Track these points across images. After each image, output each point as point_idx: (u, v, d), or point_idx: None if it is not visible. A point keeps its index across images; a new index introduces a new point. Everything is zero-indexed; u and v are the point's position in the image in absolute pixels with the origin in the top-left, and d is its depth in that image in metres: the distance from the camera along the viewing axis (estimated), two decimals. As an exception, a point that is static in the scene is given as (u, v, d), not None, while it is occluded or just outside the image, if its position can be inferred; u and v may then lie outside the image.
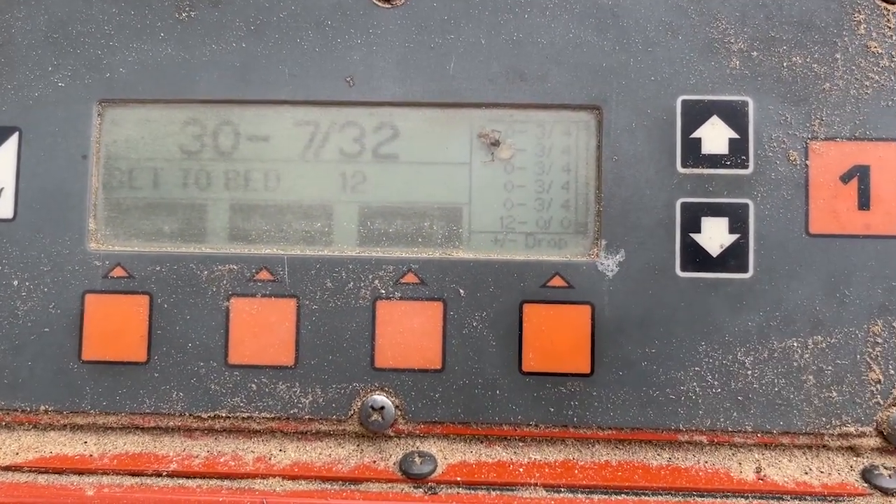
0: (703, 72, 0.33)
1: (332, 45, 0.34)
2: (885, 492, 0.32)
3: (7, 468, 0.33)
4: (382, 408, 0.33)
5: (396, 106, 0.34)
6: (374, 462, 0.33)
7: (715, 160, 0.33)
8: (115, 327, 0.34)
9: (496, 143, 0.34)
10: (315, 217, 0.34)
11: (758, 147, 0.33)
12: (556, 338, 0.33)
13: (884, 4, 0.33)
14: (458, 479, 0.32)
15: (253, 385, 0.33)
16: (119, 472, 0.33)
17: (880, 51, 0.33)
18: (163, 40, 0.34)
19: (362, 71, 0.34)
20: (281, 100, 0.34)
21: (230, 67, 0.34)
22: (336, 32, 0.34)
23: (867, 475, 0.32)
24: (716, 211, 0.33)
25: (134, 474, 0.33)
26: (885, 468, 0.32)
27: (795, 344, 0.32)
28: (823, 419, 0.32)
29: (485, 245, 0.34)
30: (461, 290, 0.33)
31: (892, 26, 0.33)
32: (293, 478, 0.33)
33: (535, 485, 0.32)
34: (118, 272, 0.34)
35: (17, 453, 0.33)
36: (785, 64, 0.33)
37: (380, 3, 0.34)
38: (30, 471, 0.33)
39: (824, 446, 0.33)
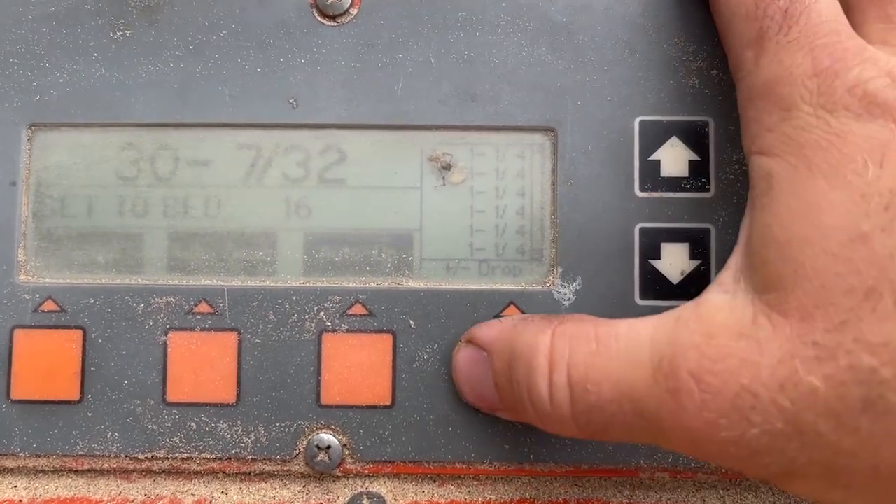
0: (661, 91, 0.32)
1: (274, 64, 0.32)
2: (854, 530, 0.30)
3: (-70, 516, 0.31)
4: (329, 447, 0.31)
5: (343, 128, 0.33)
6: (321, 504, 0.32)
7: (674, 183, 0.32)
8: (46, 364, 0.32)
9: (447, 167, 0.33)
10: (257, 245, 0.32)
11: (719, 169, 0.32)
12: (511, 371, 0.31)
13: (847, 20, 0.32)
14: (408, 521, 0.31)
15: (192, 424, 0.32)
16: (49, 519, 0.31)
17: (844, 68, 0.32)
18: (96, 61, 0.33)
19: (306, 92, 0.32)
20: (221, 122, 0.33)
21: (168, 89, 0.33)
22: (278, 52, 0.32)
23: (835, 512, 0.31)
24: (676, 236, 0.32)
25: (65, 521, 0.31)
26: (854, 504, 0.31)
27: (760, 375, 0.31)
28: (790, 453, 0.31)
29: (436, 273, 0.32)
30: (411, 322, 0.32)
31: (856, 43, 0.32)
32: (234, 522, 0.31)
33: (489, 527, 0.31)
34: (49, 306, 0.32)
35: (-58, 500, 0.32)
36: (746, 83, 0.32)
37: (324, 21, 0.33)
38: (-45, 518, 0.31)
39: (791, 481, 0.32)
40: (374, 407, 0.31)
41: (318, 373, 0.32)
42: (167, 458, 0.32)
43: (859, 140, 0.23)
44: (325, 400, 0.32)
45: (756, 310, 0.23)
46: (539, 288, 0.32)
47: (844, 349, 0.21)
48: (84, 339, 0.32)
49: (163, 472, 0.32)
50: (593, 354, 0.25)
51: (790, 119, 0.25)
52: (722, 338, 0.23)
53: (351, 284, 0.32)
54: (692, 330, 0.24)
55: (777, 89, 0.25)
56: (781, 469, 0.23)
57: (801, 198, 0.23)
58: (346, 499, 0.32)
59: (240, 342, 0.32)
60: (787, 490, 0.23)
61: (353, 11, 0.33)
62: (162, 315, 0.32)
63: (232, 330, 0.32)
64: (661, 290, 0.31)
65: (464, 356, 0.30)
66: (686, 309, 0.25)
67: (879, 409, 0.21)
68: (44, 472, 0.32)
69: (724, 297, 0.25)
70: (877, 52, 0.25)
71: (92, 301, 0.32)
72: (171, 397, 0.32)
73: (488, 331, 0.30)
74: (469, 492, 0.32)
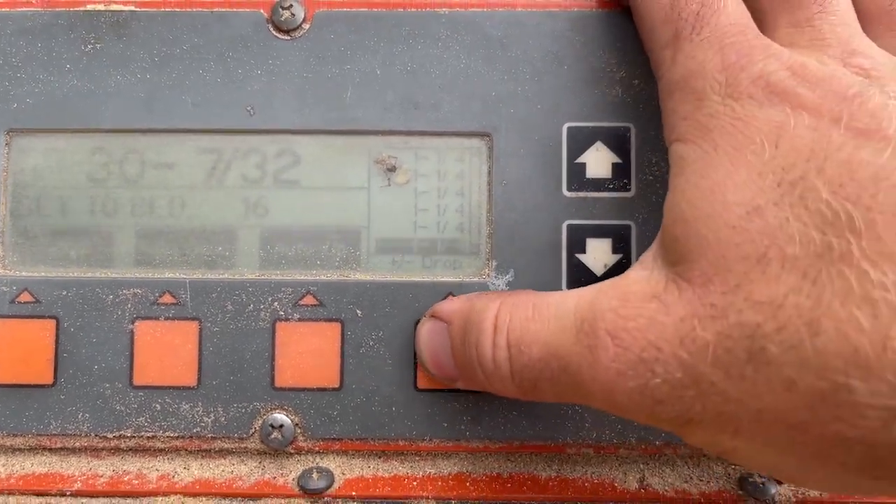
0: (587, 100, 0.35)
1: (233, 75, 0.35)
2: (758, 498, 0.33)
3: (-85, 490, 0.34)
4: (282, 426, 0.34)
5: (296, 133, 0.35)
6: (274, 478, 0.34)
7: (599, 184, 0.35)
8: (22, 351, 0.35)
9: (392, 169, 0.35)
10: (217, 242, 0.35)
11: (639, 171, 0.35)
12: (449, 355, 0.34)
13: (758, 35, 0.35)
14: (354, 493, 0.34)
15: (157, 405, 0.34)
16: (24, 493, 0.34)
17: (754, 79, 0.35)
18: (69, 72, 0.35)
19: (263, 100, 0.35)
20: (185, 129, 0.35)
21: (135, 98, 0.35)
22: (237, 64, 0.35)
23: (743, 483, 0.34)
24: (600, 232, 0.35)
25: (39, 494, 0.34)
26: (759, 476, 0.34)
27: (676, 358, 0.34)
28: (703, 430, 0.34)
29: (382, 267, 0.35)
30: (358, 311, 0.35)
31: (766, 55, 0.35)
32: (195, 494, 0.34)
33: (428, 497, 0.34)
34: (25, 297, 0.35)
35: (-74, 476, 0.34)
36: (664, 92, 0.35)
37: (279, 35, 0.35)
38: (-62, 493, 0.34)
39: (705, 456, 0.34)
40: (324, 389, 0.34)
41: (273, 358, 0.34)
42: (134, 436, 0.34)
43: (759, 123, 0.26)
44: (278, 383, 0.34)
45: (667, 279, 0.27)
46: (476, 279, 0.35)
47: (735, 308, 0.24)
48: (57, 328, 0.35)
49: (130, 449, 0.35)
50: (529, 320, 0.29)
51: (701, 108, 0.28)
52: (635, 301, 0.27)
53: (303, 277, 0.35)
54: (610, 296, 0.27)
55: (691, 82, 0.28)
56: (680, 416, 0.26)
57: (708, 178, 0.26)
58: (298, 473, 0.34)
59: (200, 330, 0.35)
60: (688, 440, 0.26)
61: (306, 26, 0.35)
62: (129, 305, 0.35)
63: (193, 319, 0.35)
64: (586, 282, 0.34)
65: (427, 328, 0.33)
66: (608, 282, 0.29)
67: (762, 360, 0.24)
68: (20, 450, 0.35)
69: (642, 273, 0.28)
70: (781, 49, 0.28)
71: (65, 293, 0.35)
72: (137, 381, 0.34)
73: (449, 305, 0.33)
74: (411, 466, 0.35)
